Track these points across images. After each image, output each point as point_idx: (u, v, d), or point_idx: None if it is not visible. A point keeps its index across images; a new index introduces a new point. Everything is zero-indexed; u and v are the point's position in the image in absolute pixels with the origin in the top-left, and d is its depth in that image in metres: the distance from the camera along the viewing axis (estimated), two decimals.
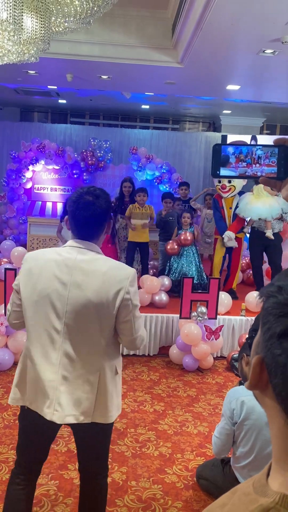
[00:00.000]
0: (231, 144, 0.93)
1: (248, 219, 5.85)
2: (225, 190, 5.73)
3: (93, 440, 1.92)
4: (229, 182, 5.67)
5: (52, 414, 1.78)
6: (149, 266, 6.45)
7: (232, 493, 0.63)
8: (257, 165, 0.92)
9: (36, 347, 1.80)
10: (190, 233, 5.79)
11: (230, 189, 5.71)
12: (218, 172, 0.94)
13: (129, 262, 6.14)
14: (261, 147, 0.91)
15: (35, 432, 1.92)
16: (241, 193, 5.87)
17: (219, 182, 5.76)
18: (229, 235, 5.72)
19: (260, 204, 5.62)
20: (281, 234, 5.92)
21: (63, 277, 1.76)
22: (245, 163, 0.92)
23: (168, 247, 5.86)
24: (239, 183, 5.71)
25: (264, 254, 5.95)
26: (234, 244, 5.76)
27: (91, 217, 1.80)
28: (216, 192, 5.95)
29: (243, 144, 0.93)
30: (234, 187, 5.70)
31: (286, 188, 0.91)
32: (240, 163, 0.93)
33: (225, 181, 5.68)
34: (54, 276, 1.76)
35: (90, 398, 1.79)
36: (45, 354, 1.78)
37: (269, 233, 5.66)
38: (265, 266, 6.13)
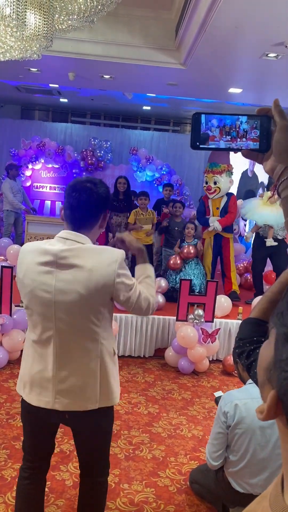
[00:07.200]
0: (213, 113, 0.87)
1: (253, 223, 5.84)
2: (210, 191, 5.80)
3: (96, 430, 1.88)
4: (215, 183, 5.76)
5: (53, 403, 1.76)
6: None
7: None
8: (243, 139, 0.86)
9: (33, 337, 1.81)
10: (193, 247, 5.55)
11: (215, 190, 5.78)
12: (198, 144, 0.87)
13: (134, 265, 6.08)
14: (246, 118, 0.86)
15: (33, 425, 1.91)
16: (229, 194, 5.89)
17: (206, 183, 5.85)
18: (215, 223, 5.77)
19: (268, 210, 5.61)
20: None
21: (47, 270, 1.70)
22: (230, 136, 0.86)
23: (171, 262, 5.58)
24: (224, 185, 5.79)
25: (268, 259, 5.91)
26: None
27: (86, 202, 1.73)
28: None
29: (226, 114, 0.87)
30: (219, 188, 5.77)
31: (269, 161, 0.87)
32: (224, 136, 0.86)
33: (211, 183, 5.78)
34: (37, 272, 1.71)
35: (93, 385, 1.76)
36: (41, 346, 1.77)
37: (269, 242, 5.59)
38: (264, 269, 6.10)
